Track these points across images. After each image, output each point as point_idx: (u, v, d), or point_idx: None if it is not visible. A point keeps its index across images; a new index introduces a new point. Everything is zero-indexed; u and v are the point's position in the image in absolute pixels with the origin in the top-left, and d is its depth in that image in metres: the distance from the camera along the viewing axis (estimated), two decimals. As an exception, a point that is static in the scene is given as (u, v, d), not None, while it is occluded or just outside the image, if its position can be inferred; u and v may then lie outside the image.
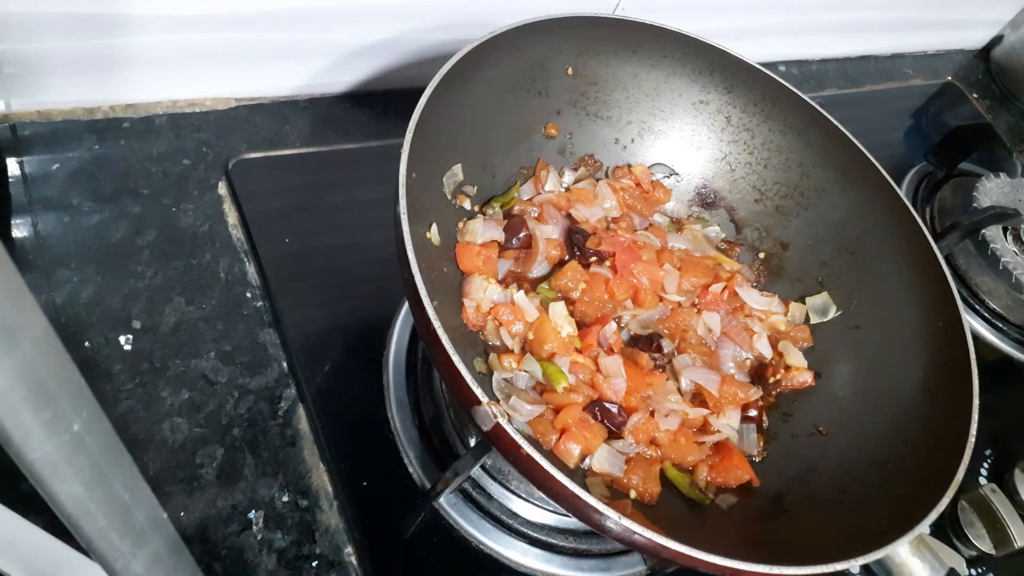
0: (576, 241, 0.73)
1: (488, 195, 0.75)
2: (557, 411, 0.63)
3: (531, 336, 0.66)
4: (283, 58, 0.88)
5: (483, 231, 0.70)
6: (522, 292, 0.68)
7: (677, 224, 0.83)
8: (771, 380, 0.72)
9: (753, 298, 0.76)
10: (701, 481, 0.65)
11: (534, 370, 0.64)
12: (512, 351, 0.66)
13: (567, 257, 0.74)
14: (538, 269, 0.71)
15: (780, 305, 0.77)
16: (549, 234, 0.73)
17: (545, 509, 0.70)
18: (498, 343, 0.67)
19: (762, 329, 0.75)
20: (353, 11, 0.86)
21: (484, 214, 0.73)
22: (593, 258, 0.73)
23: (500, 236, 0.71)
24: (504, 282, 0.70)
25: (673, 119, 0.82)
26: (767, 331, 0.75)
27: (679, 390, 0.69)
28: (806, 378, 0.72)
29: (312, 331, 0.76)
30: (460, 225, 0.70)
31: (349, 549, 0.66)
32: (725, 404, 0.69)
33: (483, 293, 0.67)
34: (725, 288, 0.76)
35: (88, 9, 0.73)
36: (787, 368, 0.73)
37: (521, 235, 0.72)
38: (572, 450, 0.62)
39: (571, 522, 0.71)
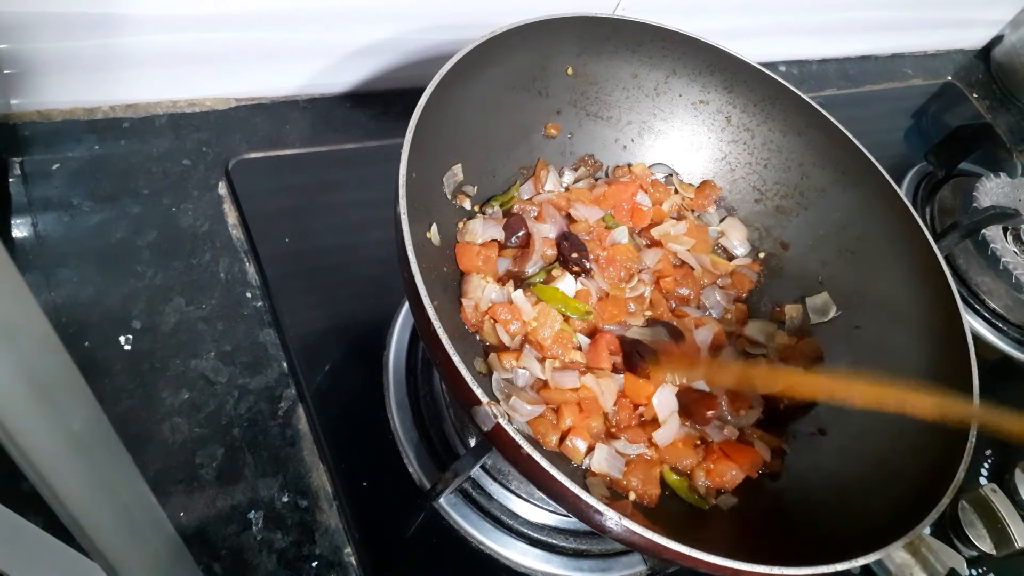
0: (563, 249, 0.73)
1: (488, 195, 0.75)
2: (556, 411, 0.63)
3: (533, 325, 0.66)
4: (283, 58, 0.88)
5: (483, 230, 0.70)
6: (519, 292, 0.67)
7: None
8: (780, 406, 0.72)
9: (753, 330, 0.76)
10: (700, 486, 0.65)
11: (533, 367, 0.64)
12: (510, 349, 0.66)
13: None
14: (532, 268, 0.71)
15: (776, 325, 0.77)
16: (547, 233, 0.73)
17: (545, 509, 0.70)
18: (496, 343, 0.67)
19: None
20: (353, 11, 0.86)
21: (483, 213, 0.73)
22: (576, 268, 0.72)
23: (500, 235, 0.71)
24: (501, 280, 0.70)
25: (673, 119, 0.82)
26: (776, 355, 0.74)
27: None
28: None
29: (312, 331, 0.76)
30: (460, 225, 0.70)
31: (349, 549, 0.66)
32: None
33: (481, 292, 0.67)
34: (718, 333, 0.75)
35: (88, 9, 0.73)
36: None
37: (519, 234, 0.72)
38: (579, 447, 0.62)
39: (571, 522, 0.71)
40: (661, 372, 0.68)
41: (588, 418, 0.63)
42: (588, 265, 0.72)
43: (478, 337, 0.68)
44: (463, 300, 0.67)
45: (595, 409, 0.64)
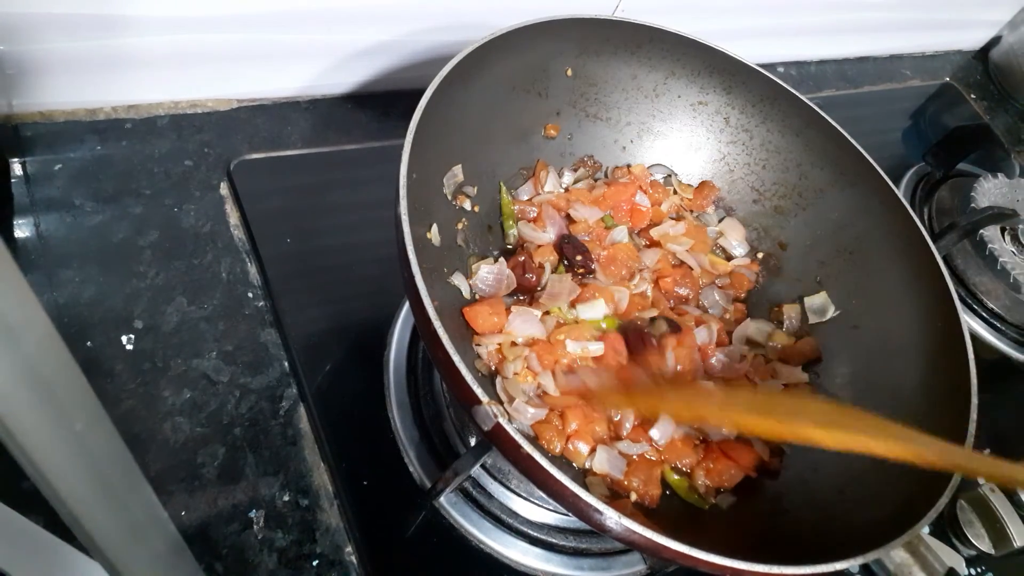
0: (566, 252, 0.73)
1: (488, 195, 0.75)
2: (561, 415, 0.63)
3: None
4: (285, 59, 0.88)
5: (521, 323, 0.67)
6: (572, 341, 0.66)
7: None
8: None
9: (751, 329, 0.76)
10: (700, 486, 0.65)
11: (547, 384, 0.64)
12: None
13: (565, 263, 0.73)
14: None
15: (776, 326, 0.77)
16: (545, 240, 0.73)
17: (545, 508, 0.71)
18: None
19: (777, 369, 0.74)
20: (354, 12, 0.86)
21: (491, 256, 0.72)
22: (581, 269, 0.72)
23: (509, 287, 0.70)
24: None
25: (672, 120, 0.82)
26: (774, 354, 0.75)
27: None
28: (803, 377, 0.72)
29: (313, 331, 0.76)
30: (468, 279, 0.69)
31: (349, 548, 0.67)
32: None
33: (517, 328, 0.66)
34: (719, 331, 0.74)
35: (90, 10, 0.73)
36: (786, 387, 0.72)
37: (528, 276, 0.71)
38: (582, 450, 0.62)
39: (571, 521, 0.71)
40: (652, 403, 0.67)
41: (593, 423, 0.63)
42: (592, 266, 0.73)
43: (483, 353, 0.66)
44: (476, 348, 0.65)
45: (599, 413, 0.65)
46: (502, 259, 0.71)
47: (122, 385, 0.68)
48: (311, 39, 0.87)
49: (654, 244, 0.79)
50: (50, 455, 0.29)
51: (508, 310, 0.67)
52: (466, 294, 0.67)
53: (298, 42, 0.86)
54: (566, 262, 0.73)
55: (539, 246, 0.73)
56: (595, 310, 0.70)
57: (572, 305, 0.70)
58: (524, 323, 0.66)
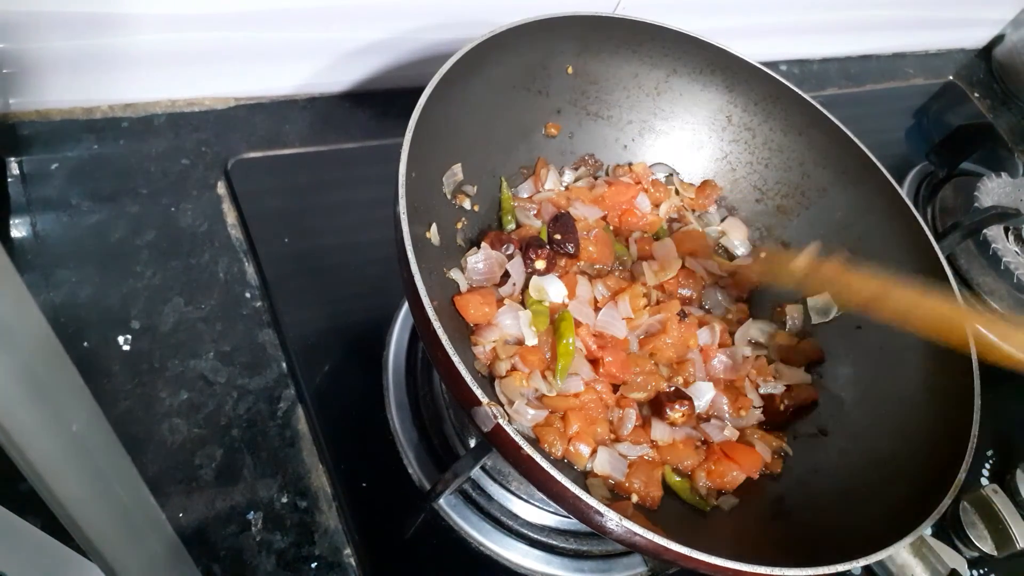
0: (550, 229, 0.72)
1: (488, 195, 0.75)
2: (563, 417, 0.63)
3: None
4: (282, 57, 0.88)
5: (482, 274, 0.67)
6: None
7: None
8: (780, 407, 0.71)
9: (753, 330, 0.75)
10: (701, 487, 0.65)
11: (542, 387, 0.63)
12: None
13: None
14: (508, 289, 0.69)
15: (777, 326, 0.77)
16: (538, 225, 0.73)
17: (545, 510, 0.70)
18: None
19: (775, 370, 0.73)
20: (353, 10, 0.86)
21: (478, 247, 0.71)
22: (559, 249, 0.71)
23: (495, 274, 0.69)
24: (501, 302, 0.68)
25: (674, 118, 0.82)
26: (777, 355, 0.74)
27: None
28: (810, 394, 0.72)
29: (311, 331, 0.75)
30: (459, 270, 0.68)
31: (348, 550, 0.66)
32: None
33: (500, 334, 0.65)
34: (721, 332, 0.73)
35: (87, 8, 0.72)
36: (788, 388, 0.72)
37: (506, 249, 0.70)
38: (583, 451, 0.62)
39: (571, 523, 0.71)
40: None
41: (594, 424, 0.63)
42: (570, 249, 0.71)
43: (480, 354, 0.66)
44: (474, 348, 0.64)
45: (600, 414, 0.64)
46: (484, 243, 0.69)
47: (119, 386, 0.68)
48: (309, 37, 0.86)
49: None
50: (47, 456, 0.29)
51: (499, 302, 0.66)
52: (464, 289, 0.67)
53: (296, 40, 0.86)
54: (550, 244, 0.71)
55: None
56: (552, 287, 0.68)
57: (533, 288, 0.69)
58: (512, 321, 0.65)
